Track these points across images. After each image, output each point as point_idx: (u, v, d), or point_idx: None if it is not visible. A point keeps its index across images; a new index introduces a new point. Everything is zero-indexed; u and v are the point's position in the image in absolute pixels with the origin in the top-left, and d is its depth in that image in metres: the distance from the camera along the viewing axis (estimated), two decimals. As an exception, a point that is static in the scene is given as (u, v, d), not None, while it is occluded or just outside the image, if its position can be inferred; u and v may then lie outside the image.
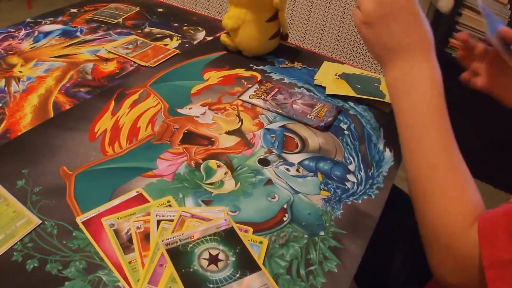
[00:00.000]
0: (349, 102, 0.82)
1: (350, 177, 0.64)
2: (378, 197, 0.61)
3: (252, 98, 0.78)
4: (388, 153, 0.70)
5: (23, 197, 0.55)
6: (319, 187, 0.61)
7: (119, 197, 0.55)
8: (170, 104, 0.75)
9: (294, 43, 1.03)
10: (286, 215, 0.56)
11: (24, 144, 0.63)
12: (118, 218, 0.52)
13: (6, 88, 0.75)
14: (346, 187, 0.62)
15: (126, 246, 0.49)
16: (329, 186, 0.62)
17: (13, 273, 0.46)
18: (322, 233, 0.54)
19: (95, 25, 1.00)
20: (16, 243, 0.49)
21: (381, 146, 0.71)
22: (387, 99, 0.80)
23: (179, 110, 0.74)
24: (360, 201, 0.60)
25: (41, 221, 0.52)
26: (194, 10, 1.15)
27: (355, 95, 0.82)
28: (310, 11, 1.93)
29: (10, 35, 0.92)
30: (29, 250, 0.48)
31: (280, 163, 0.65)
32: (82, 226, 0.51)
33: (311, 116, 0.75)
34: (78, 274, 0.46)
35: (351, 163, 0.67)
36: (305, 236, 0.54)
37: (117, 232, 0.51)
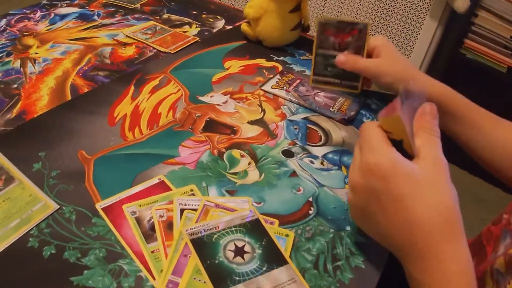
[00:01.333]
0: (371, 98, 0.79)
1: (376, 172, 0.62)
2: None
3: (274, 88, 0.76)
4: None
5: (39, 181, 0.53)
6: (344, 181, 0.59)
7: (140, 184, 0.53)
8: (191, 91, 0.73)
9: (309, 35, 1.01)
10: (312, 208, 0.54)
11: (40, 126, 0.61)
12: (140, 206, 0.50)
13: (21, 69, 0.73)
14: (372, 182, 0.60)
15: (148, 234, 0.47)
16: (354, 180, 0.60)
17: (29, 259, 0.44)
18: (348, 228, 0.52)
19: (112, 9, 0.98)
20: (32, 228, 0.47)
21: (406, 142, 0.69)
22: None
23: (201, 98, 0.72)
24: (386, 197, 0.58)
25: (58, 206, 0.50)
26: (211, -1, 1.13)
27: (377, 90, 0.80)
28: (324, 5, 1.90)
29: (25, 17, 0.90)
30: (46, 236, 0.46)
31: (304, 155, 0.62)
32: (102, 213, 0.49)
33: (334, 109, 0.73)
34: (98, 263, 0.44)
35: (376, 158, 0.64)
36: (331, 230, 0.52)
37: (139, 220, 0.49)
